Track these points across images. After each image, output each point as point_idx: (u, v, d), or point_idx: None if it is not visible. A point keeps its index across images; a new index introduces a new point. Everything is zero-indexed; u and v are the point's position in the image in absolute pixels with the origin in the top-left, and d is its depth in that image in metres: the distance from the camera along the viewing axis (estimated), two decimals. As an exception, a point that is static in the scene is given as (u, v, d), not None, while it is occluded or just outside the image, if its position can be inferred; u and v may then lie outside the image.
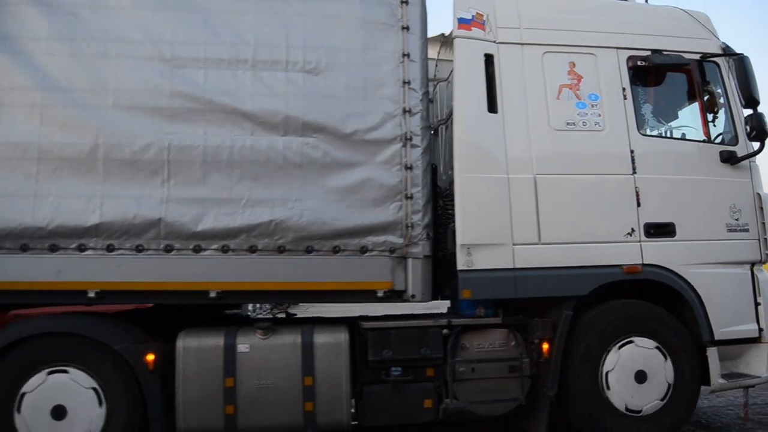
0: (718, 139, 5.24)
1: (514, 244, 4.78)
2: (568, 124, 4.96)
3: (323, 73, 4.76)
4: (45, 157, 4.46)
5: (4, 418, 4.28)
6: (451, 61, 5.08)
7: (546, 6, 5.17)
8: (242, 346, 4.50)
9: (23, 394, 4.32)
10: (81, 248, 4.45)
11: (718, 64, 5.24)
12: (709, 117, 5.23)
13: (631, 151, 4.98)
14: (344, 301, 4.82)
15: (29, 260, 4.41)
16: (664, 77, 5.27)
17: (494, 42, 5.00)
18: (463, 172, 4.81)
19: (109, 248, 4.46)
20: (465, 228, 4.75)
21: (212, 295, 4.53)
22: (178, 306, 4.87)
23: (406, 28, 4.88)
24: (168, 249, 4.50)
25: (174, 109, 4.59)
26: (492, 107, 4.90)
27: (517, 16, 5.08)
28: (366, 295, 4.67)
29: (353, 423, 4.61)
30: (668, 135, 5.33)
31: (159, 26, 4.68)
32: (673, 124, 5.45)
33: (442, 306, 5.72)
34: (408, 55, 4.84)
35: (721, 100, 5.23)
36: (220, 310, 5.65)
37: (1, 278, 4.40)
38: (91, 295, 4.43)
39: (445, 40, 5.64)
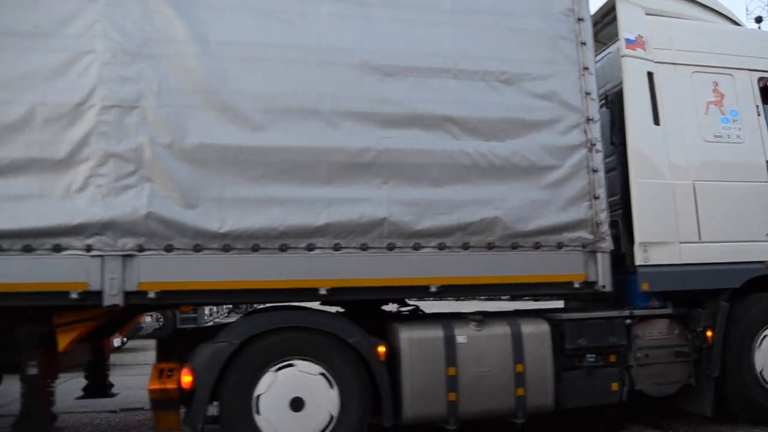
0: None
1: (680, 243, 5.36)
2: (715, 136, 5.61)
3: (516, 83, 5.14)
4: (271, 161, 4.59)
5: (245, 421, 4.40)
6: None
7: (693, 30, 5.82)
8: (460, 337, 4.79)
9: (258, 396, 4.44)
10: (310, 248, 4.60)
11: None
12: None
13: (766, 162, 5.69)
14: (541, 293, 5.23)
15: (260, 260, 4.53)
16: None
17: (653, 61, 5.57)
18: (638, 178, 5.34)
19: (336, 247, 4.64)
20: (641, 227, 5.28)
21: (433, 289, 4.80)
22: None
23: (583, 44, 5.34)
24: (390, 247, 4.73)
25: (386, 115, 4.83)
26: (656, 120, 5.47)
27: (669, 38, 5.68)
28: (563, 287, 5.10)
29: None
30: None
31: (367, 35, 4.89)
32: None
33: (463, 305, 6.23)
34: (587, 69, 5.31)
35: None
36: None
37: (235, 278, 4.49)
38: (323, 292, 4.60)
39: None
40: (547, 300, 7.76)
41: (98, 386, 5.73)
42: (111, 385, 5.86)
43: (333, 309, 5.22)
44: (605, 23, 6.01)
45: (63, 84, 4.40)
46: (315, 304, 4.90)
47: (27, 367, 4.65)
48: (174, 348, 5.11)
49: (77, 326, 4.72)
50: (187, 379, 4.43)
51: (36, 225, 4.26)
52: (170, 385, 4.72)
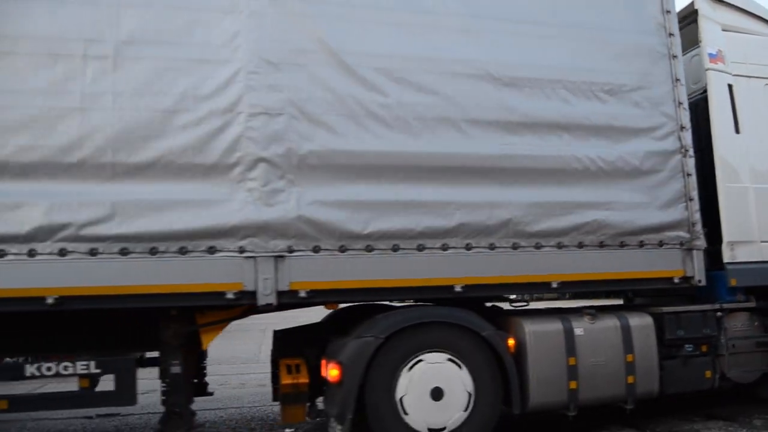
0: None
1: (761, 242, 5.82)
2: (789, 145, 6.10)
3: (618, 94, 5.52)
4: (408, 165, 4.87)
5: (396, 419, 4.68)
6: None
7: (763, 45, 6.28)
8: (578, 329, 5.15)
9: (401, 398, 4.72)
10: (444, 247, 4.90)
11: None
12: None
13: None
14: (645, 288, 5.61)
15: (399, 259, 4.81)
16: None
17: (731, 74, 6.02)
18: (724, 183, 5.79)
19: (468, 247, 4.95)
20: (728, 228, 5.73)
21: (554, 285, 5.15)
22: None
23: (674, 57, 5.75)
24: (515, 246, 5.06)
25: (506, 123, 5.14)
26: (736, 128, 5.92)
27: (743, 53, 6.13)
28: (663, 282, 5.50)
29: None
30: None
31: (488, 48, 5.19)
32: None
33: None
34: (678, 80, 5.72)
35: None
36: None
37: (377, 276, 4.76)
38: (458, 289, 4.90)
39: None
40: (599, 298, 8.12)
41: (200, 385, 5.86)
42: (207, 384, 6.02)
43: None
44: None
45: (211, 91, 4.60)
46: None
47: (171, 365, 4.83)
48: (288, 343, 5.37)
49: (218, 326, 4.93)
50: (334, 372, 4.67)
51: (191, 227, 4.45)
52: (302, 380, 4.98)
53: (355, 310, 5.46)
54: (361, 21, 4.95)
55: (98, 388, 4.62)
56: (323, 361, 4.94)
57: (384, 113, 4.85)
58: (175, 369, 4.85)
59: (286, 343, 5.46)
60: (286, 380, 4.99)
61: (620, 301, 7.02)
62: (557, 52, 5.41)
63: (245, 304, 4.63)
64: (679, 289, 5.71)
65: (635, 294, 6.65)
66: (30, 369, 4.45)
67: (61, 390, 4.69)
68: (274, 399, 6.17)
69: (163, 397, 4.91)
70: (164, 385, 4.87)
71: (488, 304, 5.71)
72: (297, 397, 5.07)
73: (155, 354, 5.03)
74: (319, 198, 4.68)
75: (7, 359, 4.86)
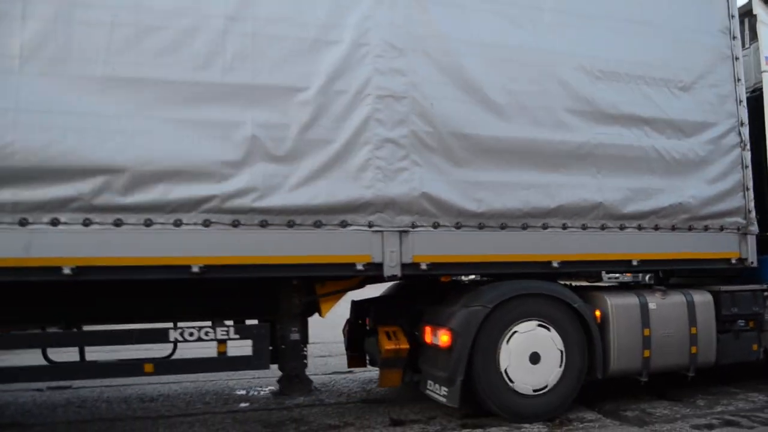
0: None
1: (806, 226, 6.49)
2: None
3: (689, 90, 6.03)
4: (516, 149, 5.29)
5: (502, 383, 5.16)
6: None
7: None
8: (651, 303, 5.70)
9: (506, 369, 5.19)
10: (544, 227, 5.35)
11: None
12: None
13: None
14: (706, 267, 6.19)
15: (507, 236, 5.25)
16: None
17: (784, 76, 6.61)
18: (777, 175, 6.40)
19: (564, 226, 5.42)
20: (779, 215, 6.36)
21: (635, 263, 5.67)
22: None
23: (737, 58, 6.28)
24: (603, 227, 5.55)
25: (597, 114, 5.59)
26: (786, 124, 6.52)
27: (796, 56, 6.72)
28: (722, 262, 6.10)
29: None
30: None
31: (582, 43, 5.60)
32: None
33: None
34: (740, 80, 6.26)
35: None
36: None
37: (487, 252, 5.19)
38: (556, 264, 5.39)
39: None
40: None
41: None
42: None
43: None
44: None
45: (344, 72, 4.87)
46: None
47: (291, 333, 5.17)
48: (383, 312, 5.77)
49: (336, 295, 5.29)
50: (445, 338, 5.09)
51: (326, 202, 4.76)
52: (403, 345, 5.40)
53: (416, 285, 5.92)
54: (473, 10, 5.28)
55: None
56: (427, 328, 5.36)
57: (494, 100, 5.22)
58: (295, 336, 5.20)
59: (381, 311, 5.85)
60: (388, 346, 5.38)
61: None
62: (640, 50, 5.86)
63: (372, 275, 4.98)
64: (710, 270, 6.34)
65: (670, 274, 7.26)
66: (173, 333, 4.72)
67: (197, 356, 4.97)
68: (350, 366, 6.60)
69: (281, 363, 5.26)
70: (282, 350, 5.23)
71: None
72: (396, 362, 5.48)
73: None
74: (438, 177, 5.04)
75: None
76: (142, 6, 4.43)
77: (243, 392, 6.68)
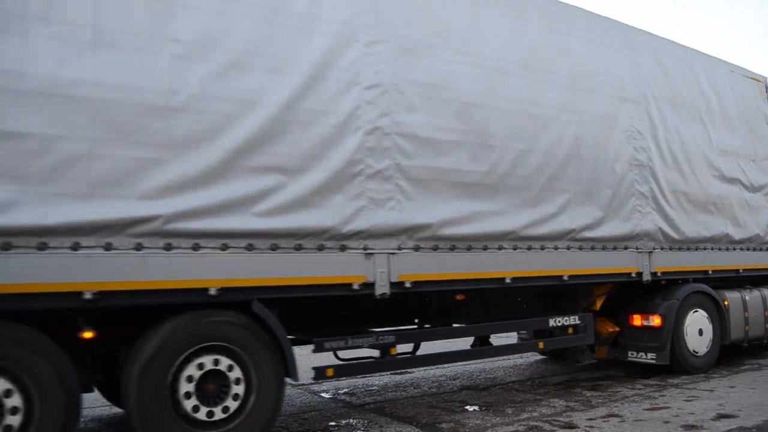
0: None
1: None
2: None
3: (754, 162, 9.55)
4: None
5: (683, 341, 8.16)
6: None
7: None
8: (747, 296, 9.05)
9: (685, 325, 8.21)
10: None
11: None
12: None
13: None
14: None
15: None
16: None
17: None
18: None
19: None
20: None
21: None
22: None
23: (775, 138, 9.95)
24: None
25: (718, 175, 8.91)
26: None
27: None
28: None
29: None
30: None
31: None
32: None
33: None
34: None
35: None
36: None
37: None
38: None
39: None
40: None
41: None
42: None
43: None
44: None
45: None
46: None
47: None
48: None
49: (603, 296, 7.98)
50: (657, 321, 7.99)
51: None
52: (616, 329, 8.23)
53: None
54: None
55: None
56: (635, 315, 8.21)
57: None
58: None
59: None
60: (611, 329, 8.15)
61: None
62: (737, 135, 9.26)
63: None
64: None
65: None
66: (551, 322, 7.15)
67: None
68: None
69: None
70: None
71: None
72: (607, 340, 8.29)
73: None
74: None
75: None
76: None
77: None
